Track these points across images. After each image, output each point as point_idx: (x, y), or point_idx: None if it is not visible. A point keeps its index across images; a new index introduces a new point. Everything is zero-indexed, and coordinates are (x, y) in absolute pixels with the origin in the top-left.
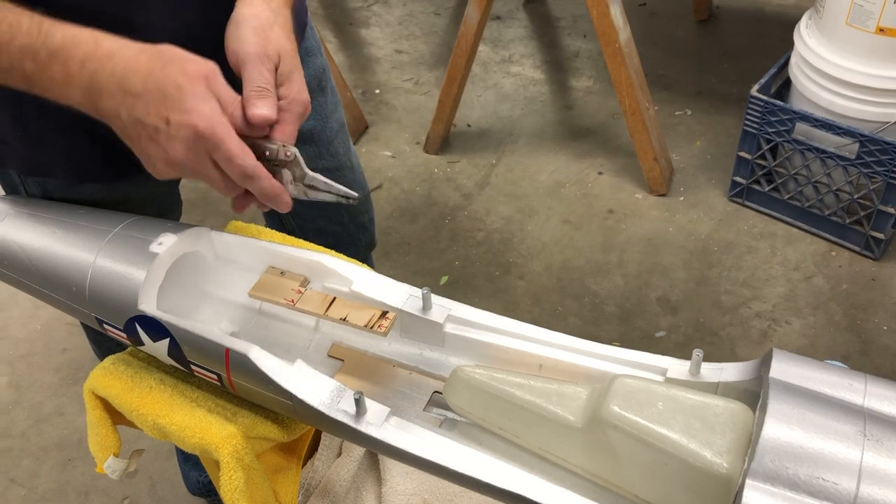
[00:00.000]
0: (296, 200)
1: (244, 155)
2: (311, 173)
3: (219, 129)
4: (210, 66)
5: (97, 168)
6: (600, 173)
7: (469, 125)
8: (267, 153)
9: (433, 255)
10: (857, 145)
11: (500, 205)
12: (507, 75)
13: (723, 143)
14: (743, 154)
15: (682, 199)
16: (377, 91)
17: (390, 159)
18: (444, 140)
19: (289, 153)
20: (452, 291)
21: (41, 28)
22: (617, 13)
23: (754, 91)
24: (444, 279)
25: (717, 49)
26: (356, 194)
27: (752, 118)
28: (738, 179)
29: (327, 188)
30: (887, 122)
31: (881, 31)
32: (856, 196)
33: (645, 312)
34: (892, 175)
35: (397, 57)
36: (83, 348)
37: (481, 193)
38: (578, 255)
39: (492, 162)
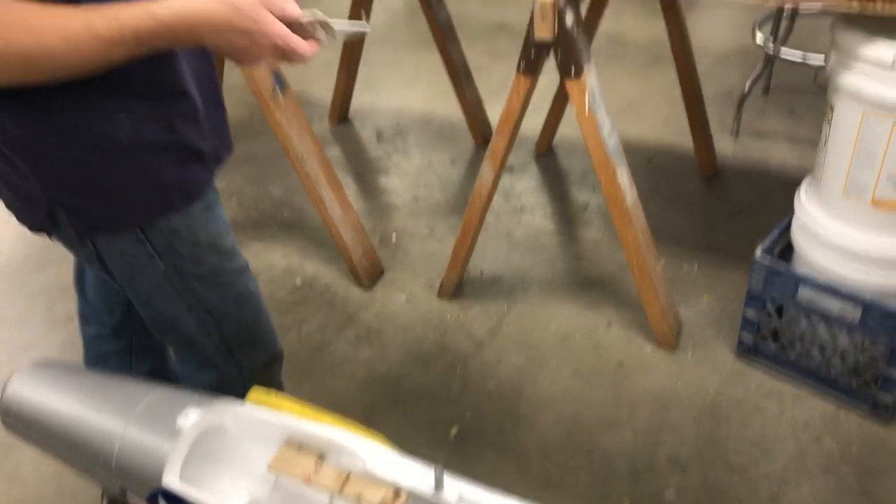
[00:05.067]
0: None
1: (303, 50)
2: (337, 28)
3: (287, 43)
4: (257, 4)
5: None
6: (610, 325)
7: (482, 272)
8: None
9: (444, 403)
10: (859, 311)
11: (512, 353)
12: (519, 225)
13: (730, 299)
14: (749, 313)
15: (690, 354)
16: (394, 237)
17: (405, 304)
18: (457, 287)
19: (321, 20)
20: (463, 443)
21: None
22: (624, 177)
23: (758, 254)
24: (455, 430)
25: (724, 205)
26: (368, 30)
27: (756, 280)
28: (745, 338)
29: (348, 28)
30: (888, 290)
31: (876, 203)
32: (862, 360)
33: (654, 470)
34: (895, 341)
35: (414, 205)
36: (94, 494)
37: (493, 341)
38: (588, 409)
39: (504, 309)
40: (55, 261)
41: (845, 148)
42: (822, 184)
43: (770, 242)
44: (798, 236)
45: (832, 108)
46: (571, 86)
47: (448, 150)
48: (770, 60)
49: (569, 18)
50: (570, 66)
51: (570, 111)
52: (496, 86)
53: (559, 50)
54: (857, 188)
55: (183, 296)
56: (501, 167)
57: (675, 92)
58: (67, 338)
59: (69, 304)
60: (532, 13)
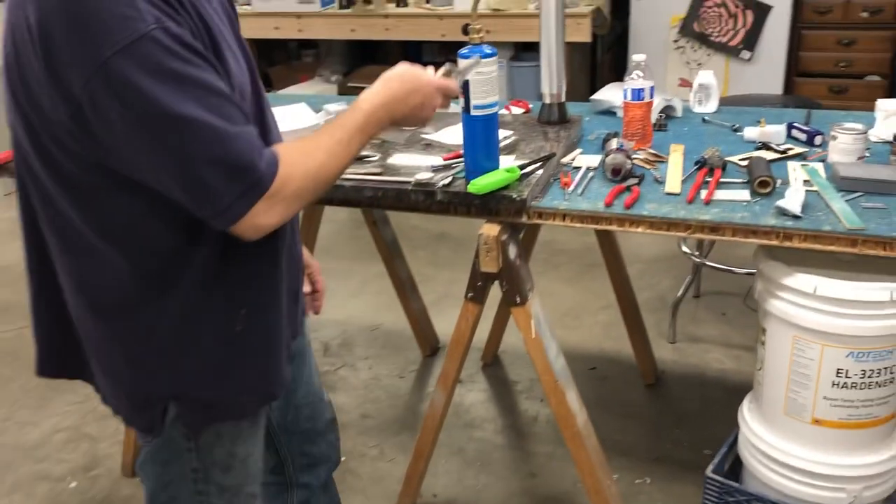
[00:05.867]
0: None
1: (454, 85)
2: (461, 67)
3: (442, 84)
4: (405, 66)
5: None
6: None
7: (435, 495)
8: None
9: None
10: None
11: None
12: (471, 440)
13: None
14: None
15: None
16: (343, 459)
17: None
18: None
19: (449, 69)
20: None
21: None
22: (573, 399)
23: (709, 472)
24: None
25: (668, 413)
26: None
27: (710, 498)
28: None
29: (469, 65)
30: None
31: (816, 421)
32: None
33: None
34: None
35: (363, 422)
36: None
37: None
38: None
39: None
40: None
41: (781, 370)
42: (763, 403)
43: (720, 458)
44: (746, 453)
45: (764, 331)
46: (517, 313)
47: (395, 362)
48: (698, 268)
49: (512, 251)
50: (515, 296)
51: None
52: (440, 294)
53: (504, 280)
54: (797, 408)
55: (197, 499)
56: (453, 390)
57: (612, 297)
58: None
59: None
60: (477, 247)
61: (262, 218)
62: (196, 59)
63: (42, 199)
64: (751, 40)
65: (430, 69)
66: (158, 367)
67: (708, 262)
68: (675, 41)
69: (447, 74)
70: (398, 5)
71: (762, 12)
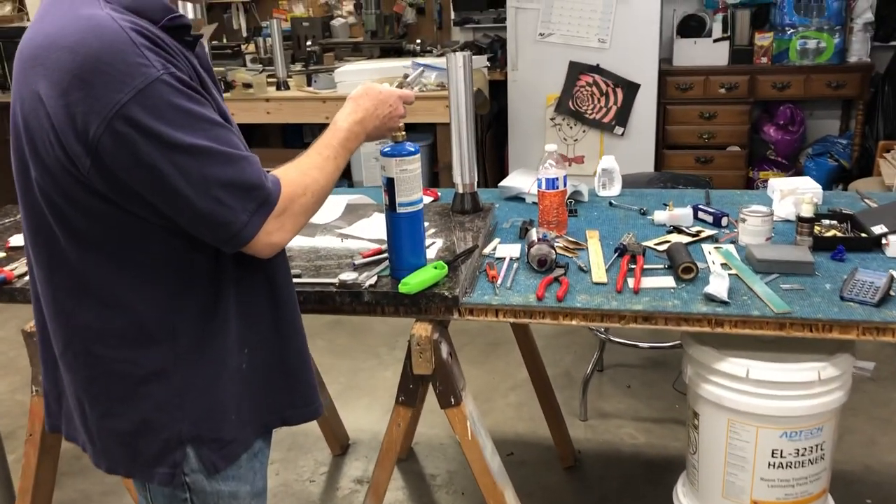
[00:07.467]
0: None
1: (411, 94)
2: (409, 80)
3: (402, 93)
4: (368, 84)
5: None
6: None
7: None
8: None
9: None
10: None
11: None
12: None
13: None
14: None
15: None
16: None
17: None
18: None
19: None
20: None
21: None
22: (511, 497)
23: None
24: None
25: (590, 495)
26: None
27: None
28: None
29: (416, 76)
30: None
31: (755, 503)
32: None
33: None
34: None
35: None
36: None
37: None
38: None
39: None
40: None
41: (717, 453)
42: (699, 486)
43: None
44: None
45: (696, 415)
46: (452, 414)
47: (305, 465)
48: (603, 343)
49: (444, 350)
50: (450, 397)
51: (426, 411)
52: (344, 385)
53: (437, 381)
54: (736, 490)
55: None
56: (383, 498)
57: (519, 377)
58: None
59: None
60: (409, 349)
61: (275, 236)
62: (198, 96)
63: (53, 261)
64: (622, 116)
65: (386, 84)
66: (178, 407)
67: (613, 338)
68: (552, 118)
69: (400, 86)
70: (279, 89)
71: (631, 90)
